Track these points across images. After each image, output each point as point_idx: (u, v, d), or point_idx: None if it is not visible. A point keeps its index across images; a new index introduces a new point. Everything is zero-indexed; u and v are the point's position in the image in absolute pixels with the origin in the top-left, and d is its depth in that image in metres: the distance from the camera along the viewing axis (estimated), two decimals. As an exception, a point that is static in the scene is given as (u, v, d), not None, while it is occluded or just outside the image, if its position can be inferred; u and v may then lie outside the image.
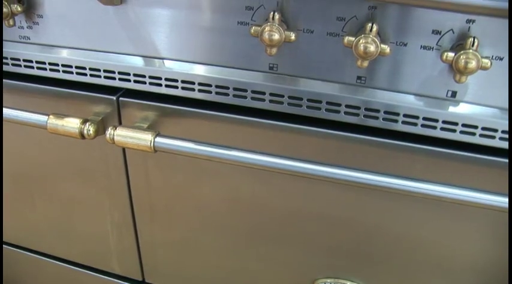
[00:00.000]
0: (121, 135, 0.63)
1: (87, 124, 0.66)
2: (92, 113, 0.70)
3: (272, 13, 0.52)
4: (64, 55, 0.67)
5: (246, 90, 0.60)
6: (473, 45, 0.50)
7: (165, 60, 0.62)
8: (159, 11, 0.59)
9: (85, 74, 0.67)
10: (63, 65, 0.67)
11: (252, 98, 0.60)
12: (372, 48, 0.50)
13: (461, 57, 0.50)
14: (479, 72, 0.51)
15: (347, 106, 0.57)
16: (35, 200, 0.88)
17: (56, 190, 0.84)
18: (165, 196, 0.76)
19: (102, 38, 0.64)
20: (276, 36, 0.52)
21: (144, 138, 0.62)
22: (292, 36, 0.53)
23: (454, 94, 0.55)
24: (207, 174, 0.70)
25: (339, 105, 0.57)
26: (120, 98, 0.67)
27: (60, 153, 0.78)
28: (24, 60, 0.69)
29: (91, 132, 0.66)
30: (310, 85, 0.57)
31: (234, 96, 0.60)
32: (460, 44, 0.51)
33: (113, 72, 0.65)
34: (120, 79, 0.65)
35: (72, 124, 0.66)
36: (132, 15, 0.61)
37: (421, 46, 0.53)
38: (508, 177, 0.55)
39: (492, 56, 0.52)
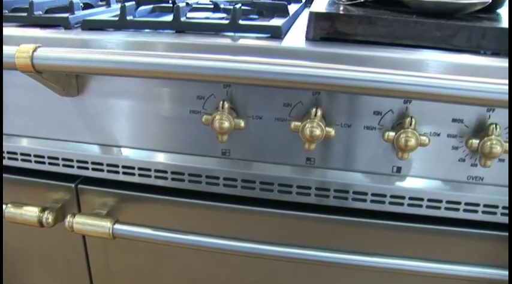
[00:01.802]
0: (80, 222, 0.63)
1: (46, 212, 0.66)
2: (51, 200, 0.70)
3: (222, 102, 0.55)
4: (23, 144, 0.68)
5: (200, 176, 0.61)
6: (411, 124, 0.53)
7: (122, 148, 0.64)
8: (115, 101, 0.61)
9: (44, 162, 0.68)
10: (22, 154, 0.68)
11: (207, 183, 0.62)
12: (317, 132, 0.53)
13: (401, 136, 0.53)
14: (420, 148, 0.55)
15: (298, 186, 0.59)
16: (-7, 290, 0.86)
17: (14, 278, 0.82)
18: (126, 280, 0.75)
19: (60, 128, 0.65)
20: (226, 125, 0.54)
21: (102, 226, 0.62)
22: (242, 124, 0.55)
23: (399, 169, 0.58)
24: (167, 256, 0.70)
25: (291, 186, 0.60)
26: (79, 185, 0.68)
27: (19, 240, 0.77)
28: (-17, 150, 0.69)
29: (50, 220, 0.66)
30: (262, 168, 0.60)
31: (190, 181, 0.62)
32: (400, 122, 0.55)
33: (71, 161, 0.66)
34: (78, 167, 0.66)
35: (30, 213, 0.66)
36: (89, 105, 0.63)
37: (364, 126, 0.56)
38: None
39: (430, 133, 0.56)
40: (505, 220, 0.58)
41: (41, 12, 0.70)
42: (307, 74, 0.45)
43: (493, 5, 0.72)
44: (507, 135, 0.54)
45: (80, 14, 0.68)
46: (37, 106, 0.65)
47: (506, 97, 0.44)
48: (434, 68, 0.52)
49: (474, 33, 0.55)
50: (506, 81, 0.45)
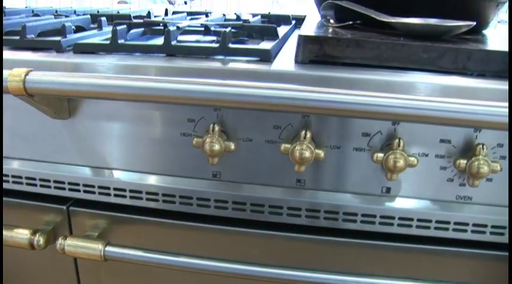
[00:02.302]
0: (71, 245, 0.64)
1: (37, 234, 0.66)
2: (42, 222, 0.70)
3: (212, 125, 0.56)
4: (14, 166, 0.68)
5: (191, 198, 0.62)
6: (399, 146, 0.54)
7: (113, 171, 0.64)
8: (106, 124, 0.62)
9: (35, 185, 0.68)
10: (13, 176, 0.68)
11: (198, 205, 0.62)
12: (307, 154, 0.53)
13: (390, 157, 0.54)
14: (409, 168, 0.55)
15: (289, 208, 0.60)
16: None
17: (5, 302, 0.82)
18: (118, 302, 0.75)
19: (52, 150, 0.66)
20: (217, 147, 0.55)
21: (94, 248, 0.62)
22: (232, 146, 0.56)
23: (388, 190, 0.59)
24: (159, 278, 0.70)
25: (281, 207, 0.60)
26: (70, 207, 0.68)
27: (10, 262, 0.77)
28: (-26, 173, 0.69)
29: (41, 242, 0.66)
30: (252, 190, 0.60)
31: (181, 203, 0.62)
32: (388, 144, 0.56)
33: (63, 183, 0.66)
34: (70, 189, 0.66)
35: (21, 235, 0.66)
36: (80, 128, 0.63)
37: (354, 148, 0.57)
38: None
39: (418, 153, 0.56)
40: (495, 239, 0.59)
41: (33, 36, 0.70)
42: (295, 98, 0.46)
43: (479, 26, 0.73)
44: (494, 154, 0.55)
45: (72, 37, 0.69)
46: (28, 129, 0.65)
47: (492, 118, 0.45)
48: (422, 89, 0.53)
49: (460, 55, 0.56)
50: (493, 103, 0.46)
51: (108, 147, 0.63)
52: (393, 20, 0.64)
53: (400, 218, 0.59)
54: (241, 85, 0.47)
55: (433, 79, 0.54)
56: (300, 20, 0.98)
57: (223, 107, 0.55)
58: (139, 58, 0.60)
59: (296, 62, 0.58)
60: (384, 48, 0.57)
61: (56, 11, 1.03)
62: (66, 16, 0.94)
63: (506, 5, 0.79)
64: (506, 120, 0.46)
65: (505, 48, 0.60)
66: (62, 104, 0.61)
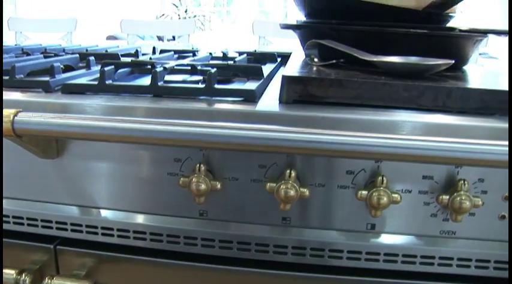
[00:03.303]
0: (58, 284, 0.63)
1: (24, 274, 0.66)
2: (28, 262, 0.70)
3: (198, 165, 0.56)
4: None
5: (178, 236, 0.62)
6: (383, 183, 0.55)
7: (101, 210, 0.65)
8: (94, 163, 0.62)
9: (22, 224, 0.68)
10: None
11: (185, 243, 0.62)
12: (292, 193, 0.54)
13: (374, 194, 0.55)
14: (393, 204, 0.56)
15: (275, 246, 0.60)
16: None
17: None
18: None
19: (39, 189, 0.66)
20: (203, 187, 0.56)
21: (81, 288, 0.62)
22: (218, 186, 0.57)
23: (373, 226, 0.60)
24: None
25: (267, 245, 0.60)
26: (57, 246, 0.68)
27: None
28: (-41, 212, 0.69)
29: (27, 282, 0.66)
30: (239, 228, 0.61)
31: (168, 242, 0.63)
32: (372, 181, 0.57)
33: (50, 222, 0.66)
34: (57, 228, 0.66)
35: (7, 275, 0.66)
36: (68, 167, 0.64)
37: (338, 186, 0.58)
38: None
39: (402, 190, 0.57)
40: (479, 272, 0.59)
41: (22, 76, 0.71)
42: (279, 139, 0.47)
43: (459, 63, 0.76)
44: (475, 189, 0.56)
45: (61, 77, 0.70)
46: (16, 168, 0.65)
47: (473, 155, 0.47)
48: (404, 128, 0.55)
49: (440, 93, 0.58)
50: (473, 140, 0.48)
51: (96, 186, 0.63)
52: (375, 59, 0.66)
53: (385, 254, 0.60)
54: (226, 127, 0.48)
55: (415, 117, 0.56)
56: (285, 57, 1.00)
57: (208, 148, 0.56)
58: (127, 98, 0.62)
59: (280, 102, 0.60)
60: (365, 88, 0.58)
61: (45, 49, 1.04)
62: (56, 54, 0.95)
63: (486, 39, 0.81)
64: (486, 156, 0.47)
65: (484, 85, 0.62)
66: (50, 144, 0.62)
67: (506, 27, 0.80)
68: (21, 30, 2.45)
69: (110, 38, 4.92)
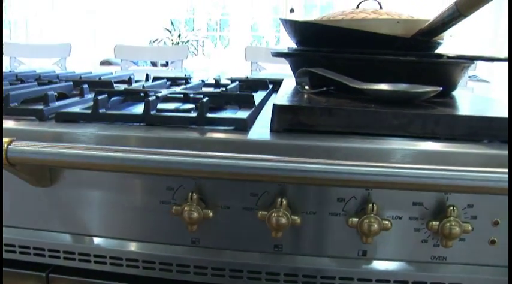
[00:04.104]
0: (50, 314, 0.63)
1: (15, 304, 0.66)
2: (20, 290, 0.70)
3: (191, 193, 0.57)
4: (-6, 233, 0.68)
5: (171, 264, 0.62)
6: (373, 210, 0.56)
7: (93, 237, 0.65)
8: (87, 191, 0.63)
9: (14, 252, 0.68)
10: (-8, 243, 0.68)
11: (178, 271, 0.62)
12: (283, 220, 0.55)
13: (364, 221, 0.56)
14: (383, 231, 0.57)
15: (267, 273, 0.61)
16: None
17: None
18: None
19: (32, 216, 0.66)
20: (195, 215, 0.56)
21: (73, 317, 0.62)
22: (210, 214, 0.57)
23: (364, 253, 0.60)
24: None
25: (260, 273, 0.61)
26: (50, 274, 0.68)
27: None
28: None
29: (19, 311, 0.66)
30: (231, 256, 0.61)
31: (161, 270, 0.63)
32: (363, 208, 0.57)
33: (43, 250, 0.66)
34: (49, 256, 0.66)
35: (0, 303, 0.66)
36: (61, 195, 0.64)
37: (329, 213, 0.58)
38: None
39: (392, 216, 0.58)
40: (471, 298, 0.60)
41: (17, 104, 0.72)
42: (270, 168, 0.48)
43: (447, 89, 0.77)
44: (465, 215, 0.57)
45: (55, 105, 0.70)
46: (8, 195, 0.66)
47: (462, 183, 0.49)
48: (393, 155, 0.56)
49: (428, 121, 0.59)
50: (463, 167, 0.49)
51: (89, 214, 0.64)
52: (364, 87, 0.67)
53: (377, 281, 0.60)
54: (217, 157, 0.49)
55: (404, 144, 0.57)
56: (276, 84, 1.01)
57: (201, 177, 0.57)
58: (120, 127, 0.62)
59: (271, 130, 0.61)
60: (355, 116, 0.60)
61: (39, 76, 1.05)
62: (50, 81, 0.96)
63: (474, 65, 0.83)
64: (475, 183, 0.49)
65: (471, 111, 0.64)
66: (43, 173, 0.62)
67: (494, 50, 0.82)
68: (16, 55, 2.46)
69: (103, 62, 4.95)
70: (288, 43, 0.88)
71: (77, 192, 0.63)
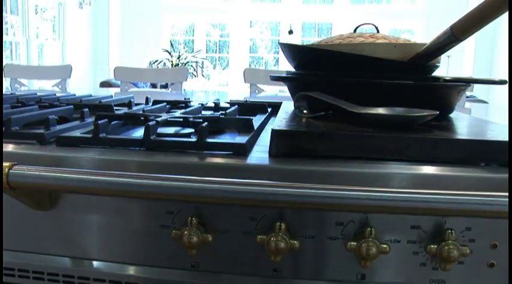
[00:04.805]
0: None
1: (13, 328, 0.65)
2: (19, 313, 0.69)
3: (190, 218, 0.57)
4: (-7, 257, 0.68)
5: (171, 288, 0.62)
6: (371, 234, 0.56)
7: (93, 261, 0.65)
8: (87, 215, 0.63)
9: (13, 275, 0.68)
10: (-9, 267, 0.68)
11: (177, 295, 0.63)
12: (282, 245, 0.55)
13: (363, 245, 0.56)
14: (382, 255, 0.57)
15: (266, 297, 0.61)
16: None
17: None
18: None
19: (31, 240, 0.66)
20: (194, 240, 0.56)
21: None
22: (210, 238, 0.57)
23: (363, 276, 0.60)
24: None
25: (259, 297, 0.61)
26: (49, 298, 0.68)
27: None
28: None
29: None
30: (230, 280, 0.61)
31: (160, 294, 0.63)
32: (361, 232, 0.58)
33: (42, 273, 0.66)
34: (49, 280, 0.66)
35: (-2, 328, 0.65)
36: (61, 219, 0.64)
37: (328, 237, 0.59)
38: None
39: (391, 240, 0.58)
40: (470, 322, 0.60)
41: (18, 128, 0.72)
42: (268, 193, 0.49)
43: (444, 113, 0.78)
44: (463, 238, 0.57)
45: (56, 129, 0.71)
46: (8, 219, 0.66)
47: (462, 207, 0.49)
48: (391, 180, 0.57)
49: (425, 145, 0.60)
50: (459, 191, 0.50)
51: (88, 237, 0.64)
52: (362, 111, 0.68)
53: (377, 306, 0.60)
54: (217, 182, 0.50)
55: (402, 169, 0.58)
56: (275, 107, 1.02)
57: (200, 203, 0.57)
58: (120, 151, 0.63)
59: (270, 155, 0.61)
60: (353, 141, 0.60)
61: (40, 99, 1.06)
62: (51, 104, 0.97)
63: (472, 86, 0.84)
64: (473, 207, 0.49)
65: (468, 135, 0.65)
66: (43, 196, 0.63)
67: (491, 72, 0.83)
68: (17, 76, 2.48)
69: (103, 83, 4.98)
70: (286, 64, 0.90)
71: (76, 216, 0.63)
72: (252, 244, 0.59)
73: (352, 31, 0.93)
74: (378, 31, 0.93)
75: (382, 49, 0.79)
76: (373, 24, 0.97)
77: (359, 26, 0.96)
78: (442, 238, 0.57)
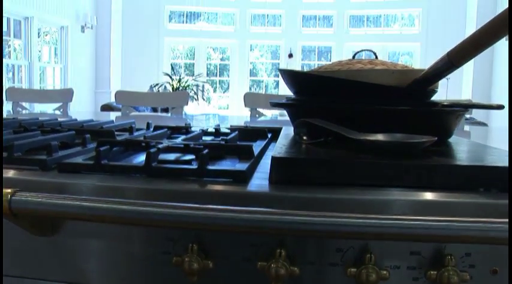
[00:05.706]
0: None
1: None
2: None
3: (191, 245, 0.58)
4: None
5: (171, 315, 0.62)
6: (371, 260, 0.56)
7: (94, 288, 0.65)
8: (88, 241, 0.63)
9: (13, 300, 0.68)
10: (-8, 291, 0.68)
11: (177, 323, 0.62)
12: (282, 271, 0.55)
13: (363, 271, 0.56)
14: (382, 281, 0.57)
15: (264, 327, 0.61)
16: None
17: None
18: None
19: (32, 266, 0.66)
20: (195, 266, 0.57)
21: None
22: (210, 265, 0.58)
23: (365, 303, 0.60)
24: None
25: (257, 326, 0.61)
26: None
27: None
28: None
29: None
30: (231, 307, 0.61)
31: (161, 321, 0.63)
32: (361, 258, 0.58)
33: (42, 299, 0.66)
34: (49, 305, 0.66)
35: None
36: (62, 244, 0.64)
37: (328, 263, 0.59)
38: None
39: (390, 266, 0.58)
40: None
41: (20, 154, 0.73)
42: (268, 221, 0.49)
43: (443, 137, 0.79)
44: (463, 264, 0.58)
45: (58, 155, 0.71)
46: (9, 244, 0.66)
47: (462, 233, 0.50)
48: (391, 206, 0.57)
49: (424, 171, 0.61)
50: (458, 218, 0.50)
51: (89, 263, 0.64)
52: (361, 137, 0.69)
53: (380, 331, 0.60)
54: (217, 210, 0.51)
55: (401, 195, 0.58)
56: (275, 132, 1.03)
57: (200, 230, 0.58)
58: (121, 178, 0.64)
59: (270, 182, 0.62)
60: (352, 168, 0.61)
61: (42, 124, 1.07)
62: (53, 129, 0.98)
63: (471, 110, 0.85)
64: (473, 233, 0.50)
65: (467, 160, 0.65)
66: (44, 222, 0.63)
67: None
68: (19, 100, 2.49)
69: (104, 107, 5.01)
70: (287, 87, 0.91)
71: (77, 242, 0.64)
72: (253, 271, 0.59)
73: (351, 57, 0.94)
74: (376, 57, 0.94)
75: (381, 75, 0.80)
76: (371, 50, 0.98)
77: (358, 52, 0.97)
78: (441, 264, 0.57)
